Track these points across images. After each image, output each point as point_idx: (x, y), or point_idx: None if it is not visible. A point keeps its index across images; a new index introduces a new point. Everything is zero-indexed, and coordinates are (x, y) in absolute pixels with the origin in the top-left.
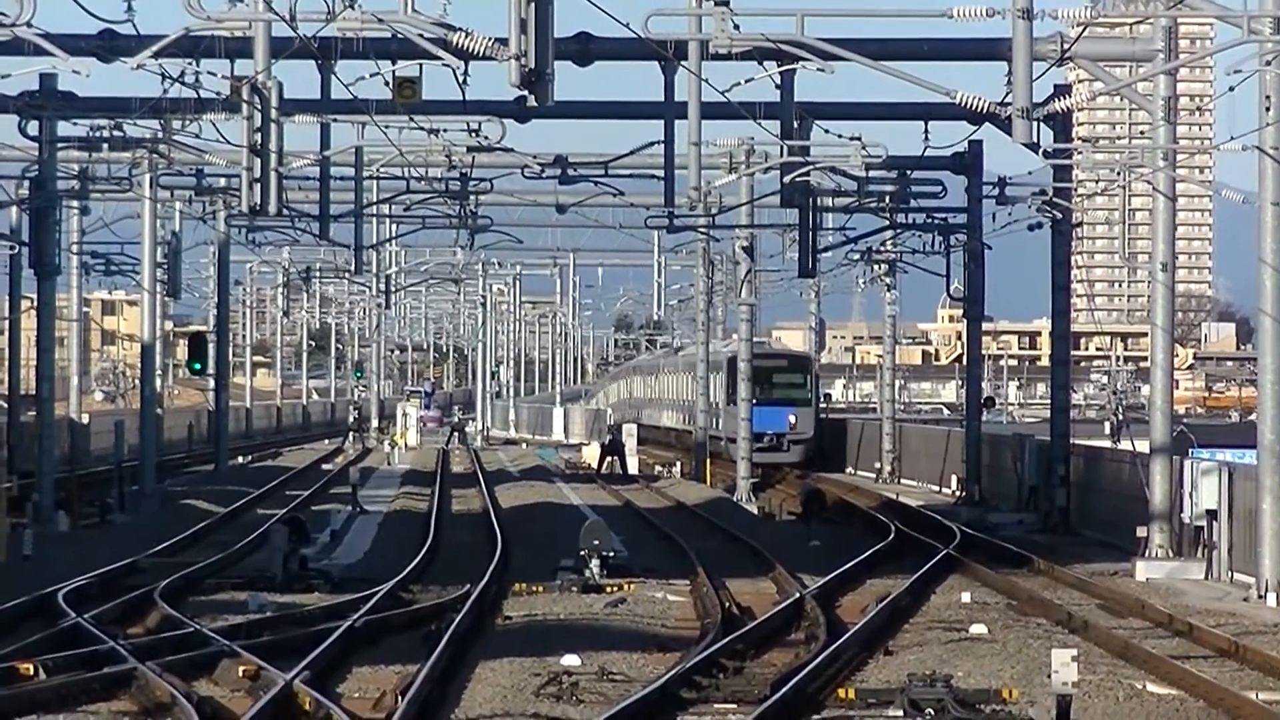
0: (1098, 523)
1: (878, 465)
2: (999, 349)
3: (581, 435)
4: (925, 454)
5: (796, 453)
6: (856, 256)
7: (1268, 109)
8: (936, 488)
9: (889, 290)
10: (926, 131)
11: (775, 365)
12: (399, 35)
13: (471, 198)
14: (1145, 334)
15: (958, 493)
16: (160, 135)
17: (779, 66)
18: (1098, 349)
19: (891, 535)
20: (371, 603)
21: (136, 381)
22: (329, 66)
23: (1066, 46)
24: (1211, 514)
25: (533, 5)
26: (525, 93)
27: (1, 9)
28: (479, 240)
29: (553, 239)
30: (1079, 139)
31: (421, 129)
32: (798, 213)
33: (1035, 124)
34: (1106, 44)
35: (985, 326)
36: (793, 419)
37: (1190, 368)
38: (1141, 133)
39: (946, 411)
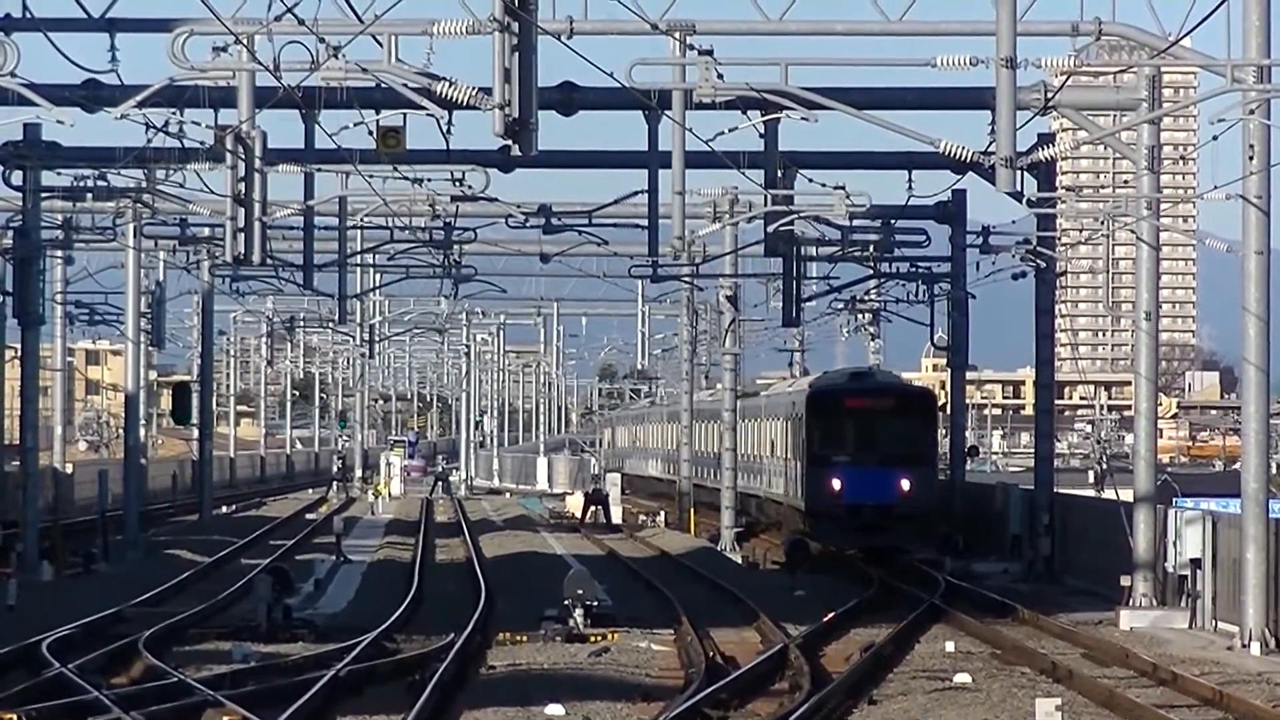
0: (1082, 571)
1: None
2: (983, 398)
3: (565, 485)
4: None
5: (910, 534)
6: (840, 305)
7: (1251, 158)
8: None
9: (873, 339)
10: (910, 180)
11: (878, 405)
12: (383, 85)
13: (455, 247)
14: (1129, 383)
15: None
16: (144, 185)
17: (763, 116)
18: (1081, 398)
19: (875, 585)
20: (355, 652)
21: (120, 431)
22: (313, 116)
23: (1050, 95)
24: (1195, 563)
25: (516, 55)
26: (509, 142)
27: None
28: (463, 290)
29: (536, 288)
30: (1062, 188)
31: (405, 178)
32: (782, 262)
33: (1019, 173)
34: (1090, 93)
35: (969, 375)
36: (905, 485)
37: (1174, 416)
38: (1125, 182)
39: None
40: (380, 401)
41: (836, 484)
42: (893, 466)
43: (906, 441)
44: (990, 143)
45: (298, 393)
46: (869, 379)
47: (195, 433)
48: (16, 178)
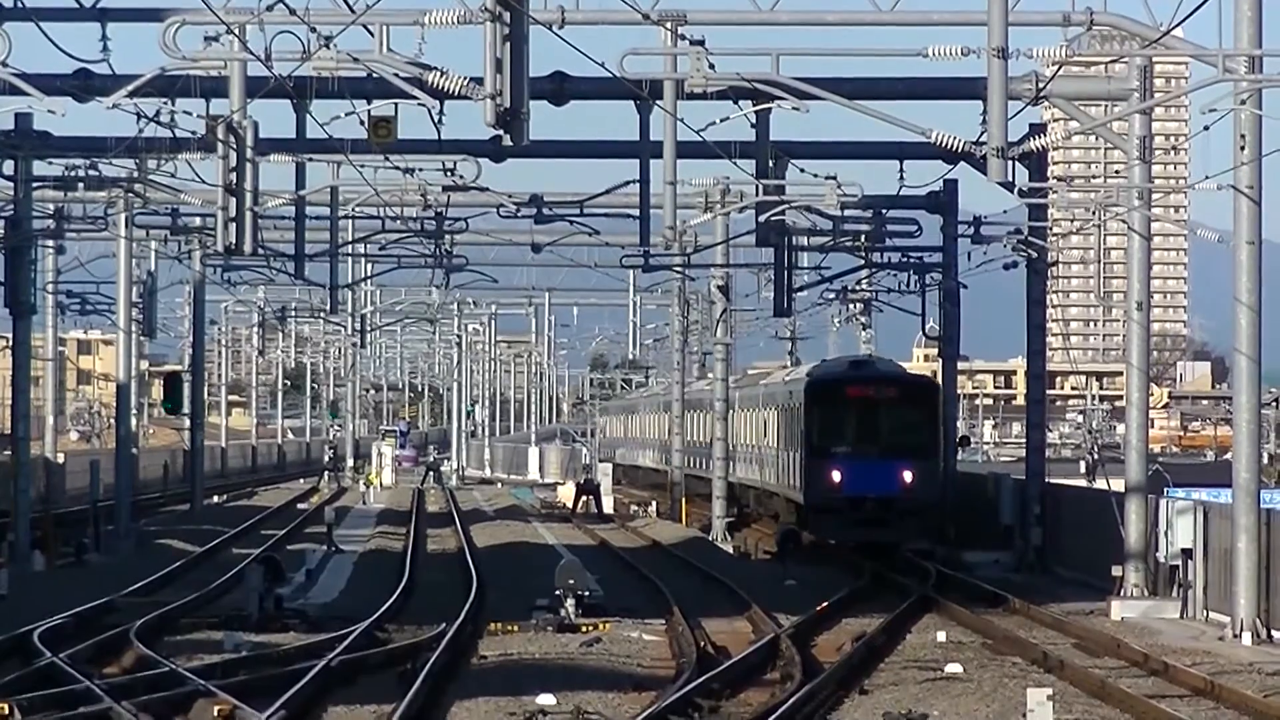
0: (1073, 562)
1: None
2: (974, 388)
3: (557, 475)
4: None
5: (912, 528)
6: (832, 295)
7: (1243, 148)
8: None
9: (864, 329)
10: (902, 171)
11: (879, 395)
12: (374, 75)
13: (447, 237)
14: (1120, 373)
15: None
16: (136, 175)
17: (754, 106)
18: (1073, 388)
19: (867, 575)
20: (347, 642)
21: (112, 421)
22: (304, 106)
23: (1042, 86)
24: (1187, 553)
25: (508, 44)
26: (500, 132)
27: None
28: (454, 279)
29: (528, 278)
30: (1054, 178)
31: (397, 168)
32: (773, 252)
33: (1010, 163)
34: (1082, 83)
35: (960, 365)
36: (908, 477)
37: (1165, 407)
38: (1116, 172)
39: None
40: (372, 391)
41: (836, 476)
42: (895, 458)
43: (909, 432)
44: (982, 133)
45: (289, 382)
46: (870, 367)
47: (187, 422)
48: (8, 167)
